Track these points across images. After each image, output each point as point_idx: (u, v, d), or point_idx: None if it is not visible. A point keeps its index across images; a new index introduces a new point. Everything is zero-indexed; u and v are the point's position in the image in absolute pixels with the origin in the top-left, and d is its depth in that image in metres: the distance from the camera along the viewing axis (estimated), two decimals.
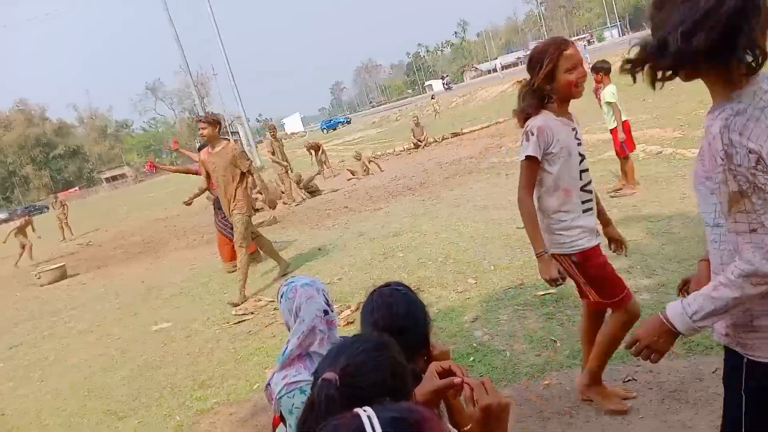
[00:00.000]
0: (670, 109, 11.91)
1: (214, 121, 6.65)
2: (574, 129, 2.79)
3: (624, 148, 7.03)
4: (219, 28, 33.06)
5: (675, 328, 1.55)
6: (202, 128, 6.59)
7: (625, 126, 7.03)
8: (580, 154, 2.78)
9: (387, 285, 1.96)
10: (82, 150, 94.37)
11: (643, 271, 4.52)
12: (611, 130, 7.19)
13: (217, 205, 8.26)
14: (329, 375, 1.22)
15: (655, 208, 6.08)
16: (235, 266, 8.30)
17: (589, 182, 2.81)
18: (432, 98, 37.54)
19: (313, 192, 14.56)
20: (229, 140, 6.81)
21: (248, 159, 6.76)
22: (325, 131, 63.86)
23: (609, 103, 7.05)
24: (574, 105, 2.86)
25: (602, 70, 7.23)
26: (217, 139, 6.67)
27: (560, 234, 2.78)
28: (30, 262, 15.28)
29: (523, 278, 4.98)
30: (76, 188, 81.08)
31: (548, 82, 2.65)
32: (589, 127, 12.88)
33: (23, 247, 15.99)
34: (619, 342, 2.82)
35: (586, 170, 2.80)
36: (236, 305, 6.42)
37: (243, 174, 6.70)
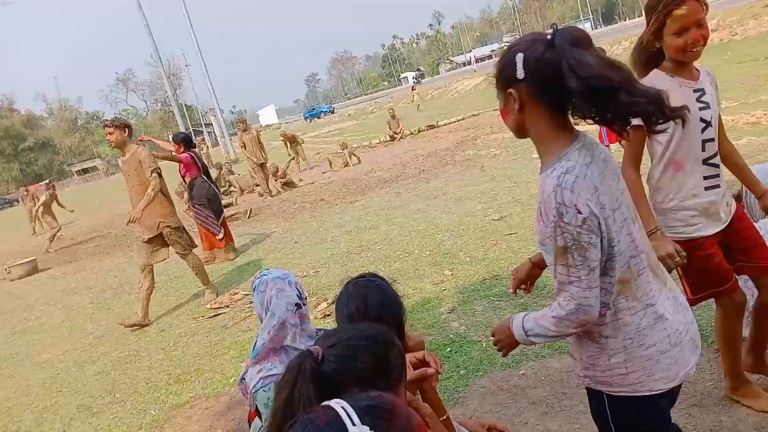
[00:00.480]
0: None
1: (122, 125, 5.99)
2: (698, 90, 2.33)
3: (603, 136, 7.12)
4: (191, 17, 32.60)
5: (514, 336, 1.71)
6: (109, 134, 5.93)
7: None
8: (704, 121, 2.30)
9: (361, 276, 1.95)
10: (52, 142, 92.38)
11: None
12: None
13: (191, 195, 8.21)
14: (314, 348, 1.21)
15: None
16: (211, 256, 8.27)
17: (715, 154, 2.36)
18: (413, 89, 36.40)
19: (288, 184, 14.48)
20: (138, 145, 6.24)
21: (152, 165, 5.97)
22: (308, 120, 63.17)
23: None
24: None
25: None
26: (126, 146, 6.02)
27: (667, 215, 2.40)
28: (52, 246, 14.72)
29: (498, 270, 5.03)
30: (46, 181, 79.45)
31: (657, 40, 2.32)
32: None
33: (56, 228, 15.04)
34: (735, 332, 2.56)
35: (712, 140, 2.34)
36: (215, 299, 6.35)
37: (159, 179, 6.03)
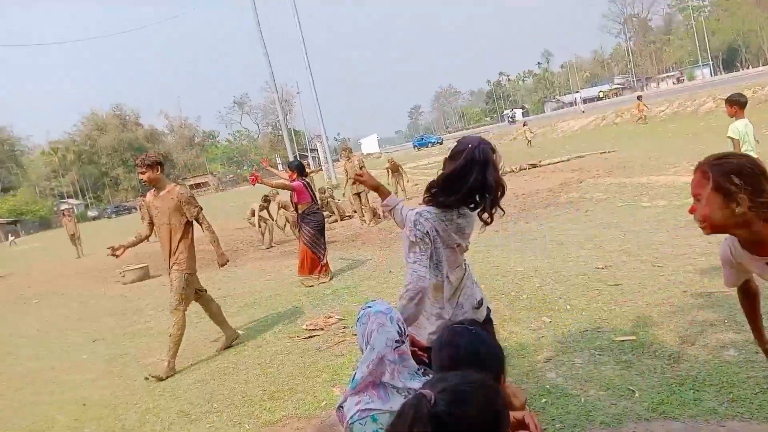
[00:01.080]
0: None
1: (155, 163, 5.72)
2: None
3: None
4: (306, 47, 34.12)
5: None
6: (141, 173, 5.74)
7: None
8: None
9: (461, 323, 1.94)
10: (171, 157, 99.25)
11: (731, 326, 4.30)
12: None
13: (300, 219, 8.61)
14: (427, 392, 1.25)
15: None
16: (308, 281, 8.51)
17: None
18: (524, 125, 35.13)
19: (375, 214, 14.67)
20: (176, 184, 6.09)
21: (196, 206, 5.88)
22: (417, 149, 65.13)
23: (730, 139, 6.69)
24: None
25: (737, 103, 6.82)
26: (161, 182, 5.80)
27: None
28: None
29: (600, 322, 4.83)
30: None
31: None
32: (665, 170, 12.42)
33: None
34: None
35: None
36: (160, 379, 5.62)
37: (189, 223, 5.87)
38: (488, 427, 1.27)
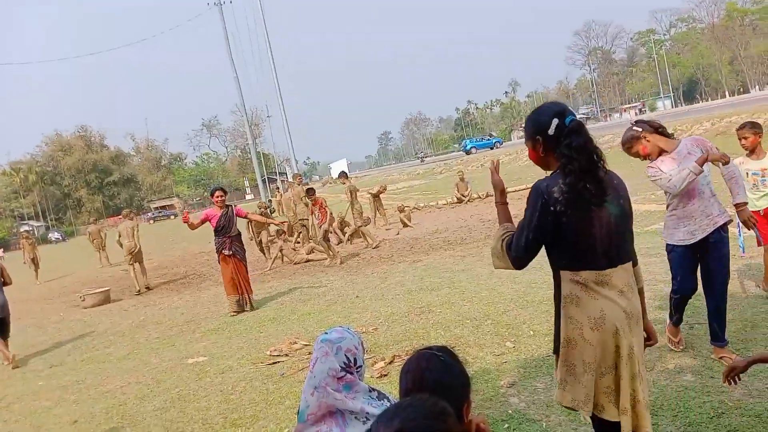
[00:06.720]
0: None
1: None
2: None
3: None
4: (277, 72, 34.28)
5: None
6: None
7: None
8: None
9: (429, 348, 1.93)
10: (136, 179, 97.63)
11: (687, 351, 4.40)
12: None
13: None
14: None
15: None
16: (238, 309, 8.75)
17: None
18: None
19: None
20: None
21: None
22: (467, 152, 56.06)
23: None
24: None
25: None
26: None
27: None
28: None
29: None
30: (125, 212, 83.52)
31: None
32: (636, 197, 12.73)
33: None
34: None
35: None
36: None
37: None
38: None
